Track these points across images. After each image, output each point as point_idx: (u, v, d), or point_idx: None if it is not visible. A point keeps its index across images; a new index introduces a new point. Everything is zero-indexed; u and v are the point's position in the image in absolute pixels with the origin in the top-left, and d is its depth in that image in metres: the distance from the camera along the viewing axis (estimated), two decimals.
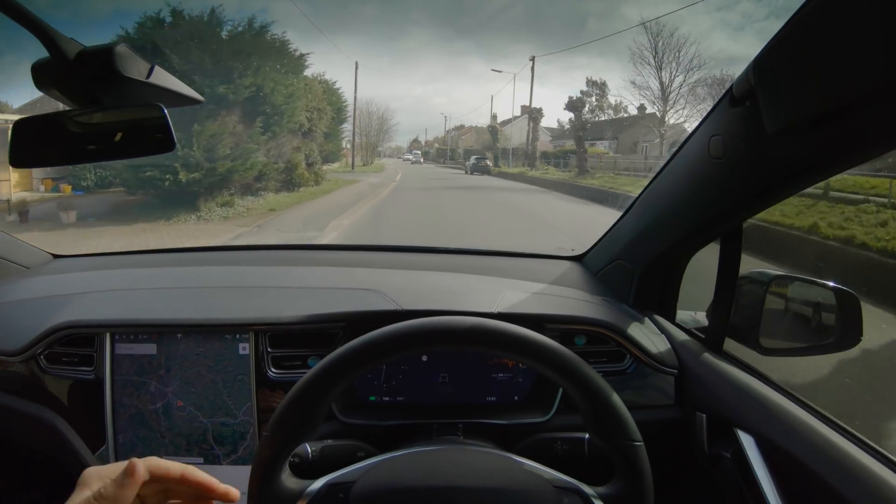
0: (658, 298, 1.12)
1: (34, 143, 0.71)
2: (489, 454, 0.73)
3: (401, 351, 0.64)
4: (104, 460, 0.99)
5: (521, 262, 1.47)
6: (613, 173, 16.67)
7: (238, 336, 1.00)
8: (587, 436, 0.88)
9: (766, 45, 0.62)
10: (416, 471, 0.66)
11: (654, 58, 17.49)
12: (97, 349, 1.00)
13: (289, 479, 0.64)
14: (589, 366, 0.64)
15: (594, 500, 0.64)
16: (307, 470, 0.83)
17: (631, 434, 0.63)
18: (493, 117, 32.21)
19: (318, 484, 0.63)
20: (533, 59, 22.37)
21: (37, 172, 10.56)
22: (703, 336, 1.02)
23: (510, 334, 0.64)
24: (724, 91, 0.74)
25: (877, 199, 5.17)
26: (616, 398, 0.64)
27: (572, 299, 1.14)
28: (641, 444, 0.64)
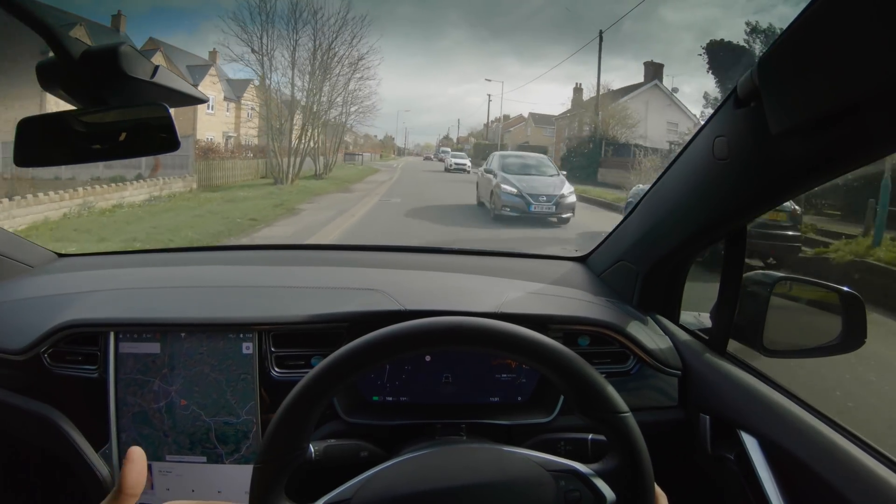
0: (662, 299, 1.12)
1: (39, 143, 0.71)
2: (481, 450, 0.73)
3: (360, 369, 0.64)
4: (107, 458, 0.99)
5: (525, 263, 1.47)
6: None
7: (242, 335, 1.00)
8: (591, 436, 0.88)
9: (770, 46, 0.62)
10: (411, 477, 0.65)
11: None
12: (101, 348, 1.00)
13: None
14: (562, 345, 0.64)
15: (592, 479, 0.63)
16: (311, 470, 0.83)
17: (615, 406, 0.62)
18: (577, 89, 19.91)
19: None
20: None
21: None
22: (706, 337, 1.02)
23: (472, 329, 0.63)
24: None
25: None
26: (594, 373, 0.63)
27: (576, 300, 1.14)
28: (629, 413, 0.62)
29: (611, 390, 0.63)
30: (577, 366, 0.63)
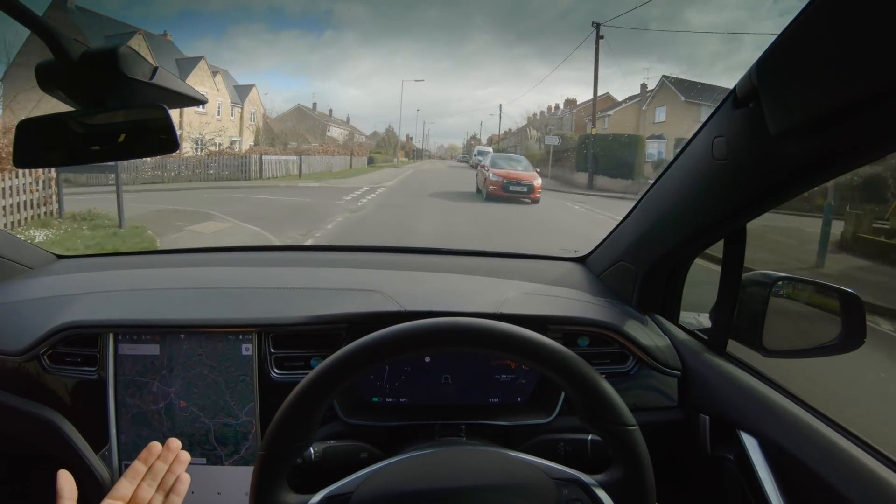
0: (661, 300, 1.12)
1: (38, 144, 0.71)
2: (486, 452, 0.73)
3: (380, 360, 0.64)
4: (107, 460, 0.99)
5: (524, 264, 1.47)
6: None
7: (241, 337, 1.00)
8: (590, 437, 0.88)
9: (769, 46, 0.62)
10: (414, 475, 0.66)
11: None
12: (100, 349, 1.00)
13: (287, 495, 0.63)
14: (576, 355, 0.64)
15: (594, 489, 0.64)
16: (310, 471, 0.83)
17: (624, 418, 0.63)
18: None
19: (316, 498, 0.63)
20: None
21: None
22: (706, 337, 1.02)
23: (492, 331, 0.64)
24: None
25: None
26: (605, 384, 0.63)
27: (575, 300, 1.14)
28: (636, 427, 0.63)
29: (620, 402, 0.63)
30: (588, 375, 0.63)
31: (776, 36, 0.61)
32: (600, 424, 0.64)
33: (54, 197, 7.30)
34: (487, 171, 11.54)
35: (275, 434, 0.62)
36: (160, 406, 0.99)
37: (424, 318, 0.65)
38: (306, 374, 0.64)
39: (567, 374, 0.63)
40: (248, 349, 1.00)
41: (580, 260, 1.39)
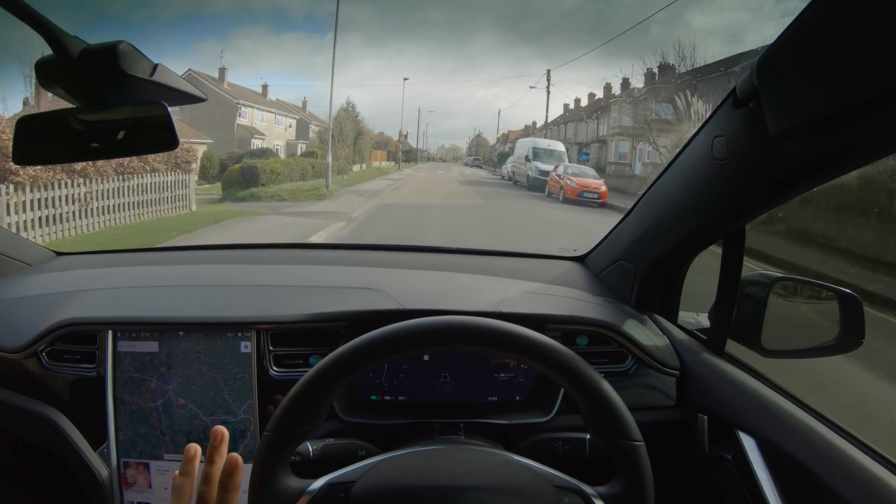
0: (660, 299, 1.12)
1: (38, 141, 0.71)
2: (489, 453, 0.73)
3: (400, 351, 0.65)
4: (105, 457, 0.99)
5: (523, 263, 1.47)
6: None
7: (240, 334, 1.00)
8: (588, 436, 0.88)
9: (769, 46, 0.62)
10: (417, 470, 0.66)
11: None
12: (99, 346, 1.00)
13: (289, 479, 0.64)
14: (589, 365, 0.65)
15: (594, 500, 0.64)
16: (308, 468, 0.83)
17: (631, 434, 0.63)
18: None
19: (318, 483, 0.64)
20: None
21: None
22: (704, 337, 1.02)
23: (511, 334, 0.64)
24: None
25: None
26: (616, 397, 0.64)
27: (574, 300, 1.14)
28: (642, 443, 0.64)
29: (628, 416, 0.64)
30: (599, 386, 0.64)
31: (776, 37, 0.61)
32: (606, 436, 0.64)
33: None
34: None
35: (283, 415, 0.62)
36: (158, 403, 0.99)
37: (423, 317, 0.65)
38: (305, 371, 0.64)
39: (578, 382, 0.64)
40: (246, 347, 1.00)
41: (579, 259, 1.40)
